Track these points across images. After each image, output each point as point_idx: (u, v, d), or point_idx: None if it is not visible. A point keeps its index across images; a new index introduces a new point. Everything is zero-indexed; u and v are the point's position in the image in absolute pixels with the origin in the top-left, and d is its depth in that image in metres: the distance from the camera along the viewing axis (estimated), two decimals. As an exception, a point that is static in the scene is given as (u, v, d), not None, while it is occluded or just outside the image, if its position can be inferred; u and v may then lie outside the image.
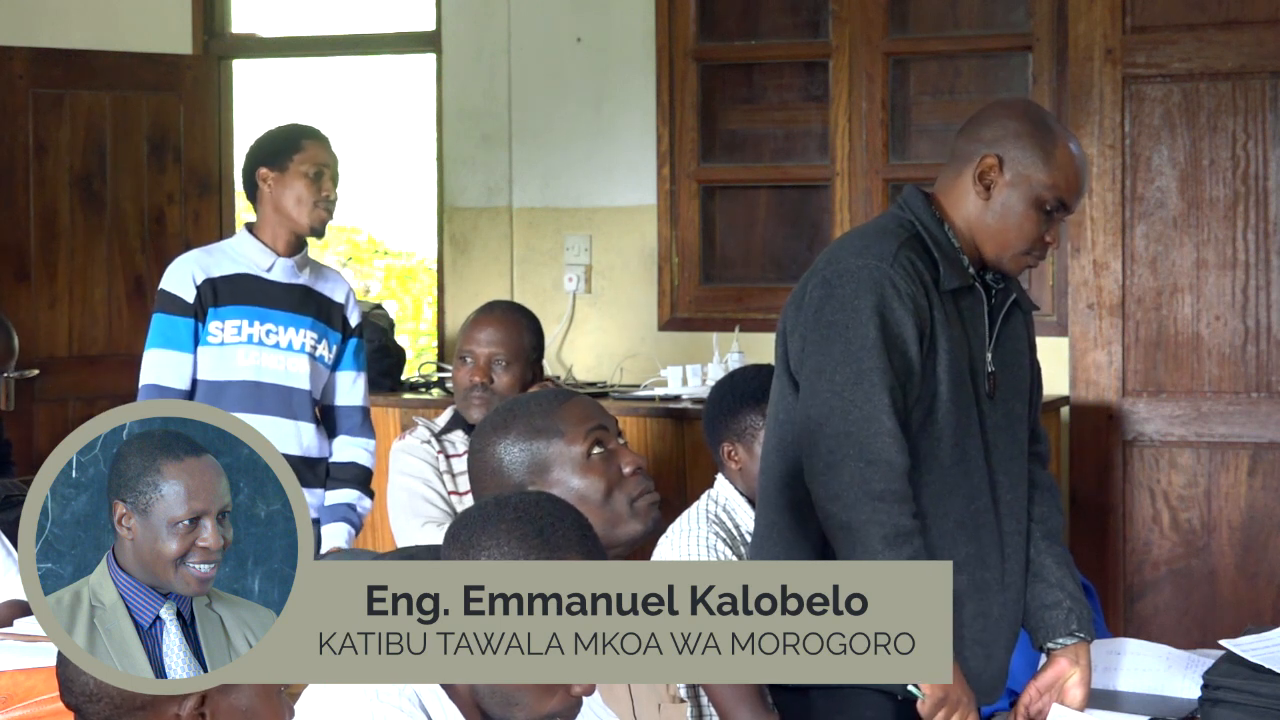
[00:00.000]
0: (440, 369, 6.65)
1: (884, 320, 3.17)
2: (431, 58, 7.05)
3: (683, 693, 3.14)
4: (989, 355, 3.32)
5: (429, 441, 4.65)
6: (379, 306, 6.86)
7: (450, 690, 2.45)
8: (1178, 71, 5.84)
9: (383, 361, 6.49)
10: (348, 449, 4.88)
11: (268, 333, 4.76)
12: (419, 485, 4.59)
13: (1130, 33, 5.87)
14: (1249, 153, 5.78)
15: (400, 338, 6.97)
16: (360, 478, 4.87)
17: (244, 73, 7.59)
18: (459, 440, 4.67)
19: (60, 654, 2.12)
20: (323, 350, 4.83)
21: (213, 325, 4.74)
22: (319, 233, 4.81)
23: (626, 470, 2.85)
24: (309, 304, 4.81)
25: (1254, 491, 5.80)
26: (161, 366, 4.74)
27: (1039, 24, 6.13)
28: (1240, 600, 5.76)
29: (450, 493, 4.59)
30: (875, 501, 3.11)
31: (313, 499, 4.82)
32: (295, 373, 4.78)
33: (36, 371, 6.80)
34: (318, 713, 2.36)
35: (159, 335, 4.76)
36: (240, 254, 4.80)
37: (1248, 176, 5.79)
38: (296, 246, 4.80)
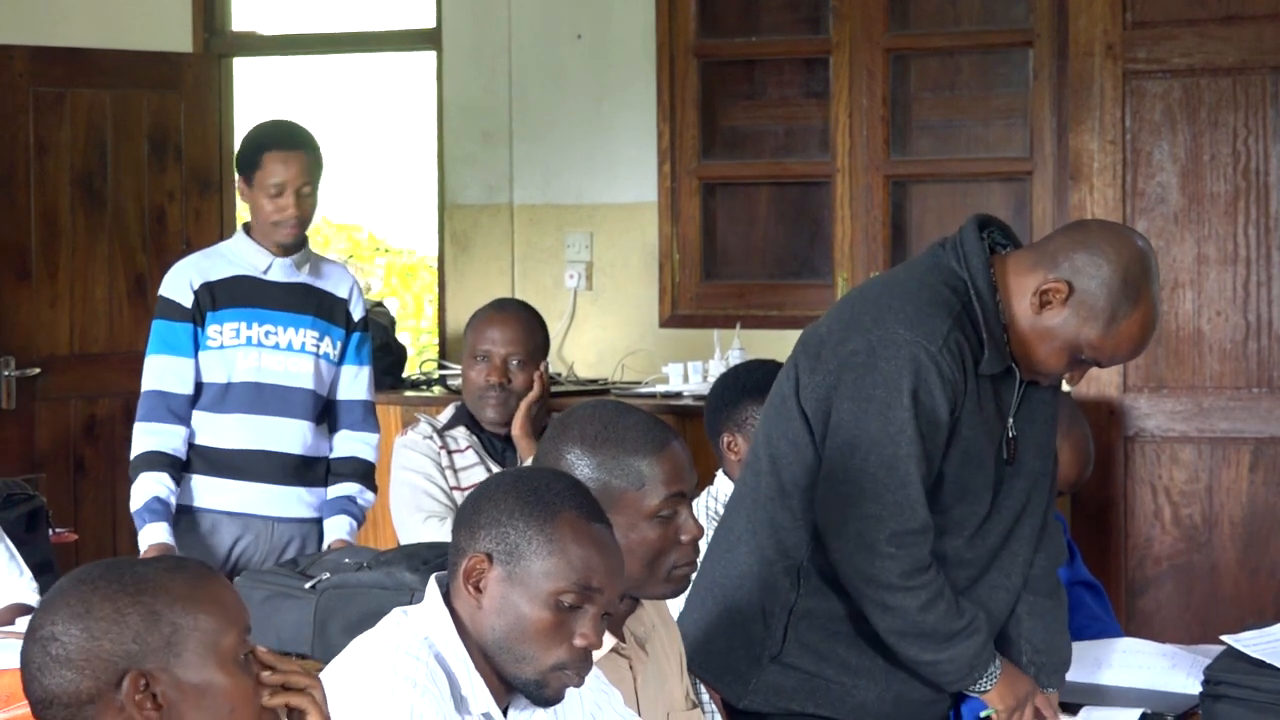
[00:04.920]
0: (442, 366, 6.65)
1: (922, 405, 3.11)
2: (432, 55, 7.05)
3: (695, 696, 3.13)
4: (1010, 420, 3.26)
5: (431, 437, 4.65)
6: (380, 304, 6.86)
7: (468, 648, 2.51)
8: (1178, 67, 5.84)
9: (384, 359, 6.49)
10: (348, 443, 4.85)
11: (267, 334, 4.74)
12: (421, 481, 4.60)
13: (1131, 28, 5.87)
14: (1250, 148, 5.78)
15: (401, 335, 6.97)
16: (361, 471, 4.84)
17: (245, 70, 7.59)
18: (461, 436, 4.68)
19: (21, 665, 2.10)
20: (327, 348, 4.80)
21: (211, 329, 4.72)
22: (289, 250, 4.75)
23: (683, 539, 2.82)
24: (309, 302, 4.78)
25: (1255, 487, 5.80)
26: (164, 372, 4.72)
27: (1039, 19, 6.12)
28: (1241, 596, 5.76)
29: (452, 488, 4.59)
30: (907, 580, 3.15)
31: (312, 498, 4.81)
32: (297, 372, 4.75)
33: (38, 370, 6.81)
34: (336, 688, 2.39)
35: (159, 341, 4.74)
36: (237, 256, 4.77)
37: (1248, 172, 5.78)
38: (293, 246, 4.78)
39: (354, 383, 4.87)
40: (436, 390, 6.46)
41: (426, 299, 11.06)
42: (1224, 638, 3.47)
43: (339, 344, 4.83)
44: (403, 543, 4.52)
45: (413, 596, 3.58)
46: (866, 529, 3.14)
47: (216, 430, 4.73)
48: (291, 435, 4.75)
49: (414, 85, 9.57)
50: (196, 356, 4.73)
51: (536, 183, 6.81)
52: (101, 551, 6.58)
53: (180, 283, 4.74)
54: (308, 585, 3.89)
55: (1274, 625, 3.51)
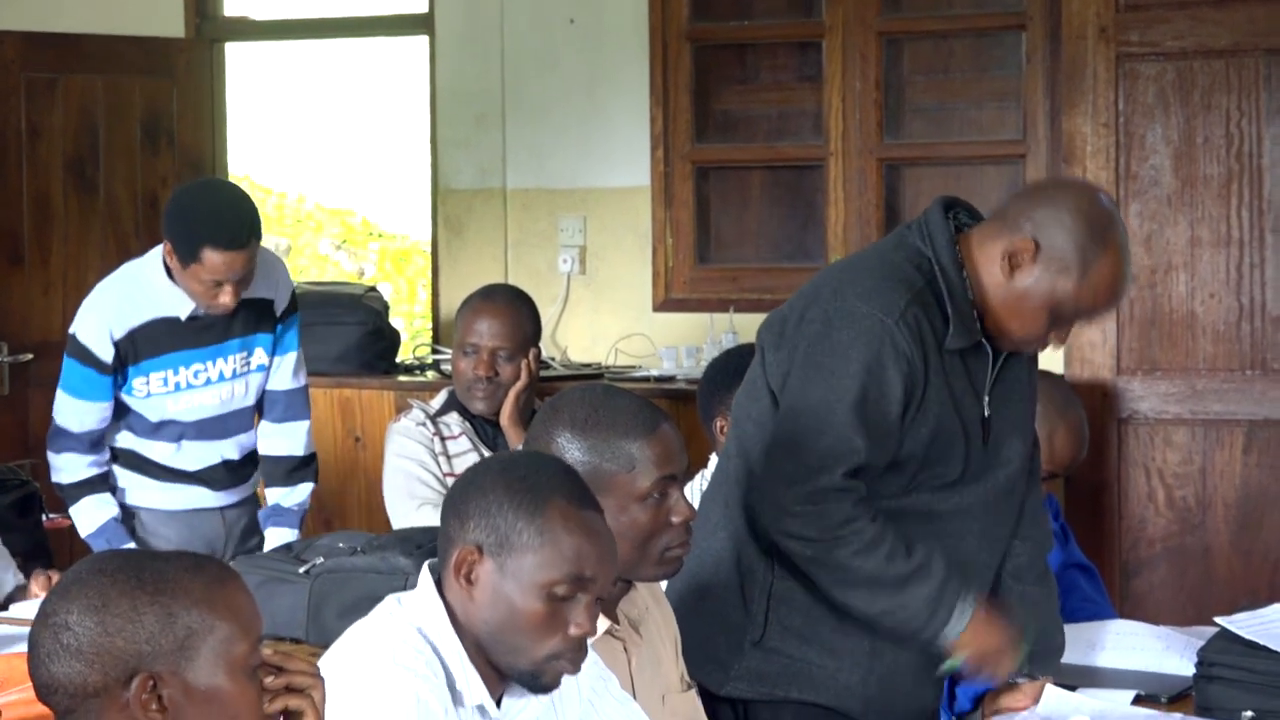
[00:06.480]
0: (435, 351, 6.65)
1: (871, 378, 3.08)
2: (424, 39, 7.04)
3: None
4: (985, 400, 3.22)
5: (424, 423, 4.65)
6: (373, 289, 6.86)
7: (461, 639, 2.49)
8: (1171, 49, 5.83)
9: (378, 344, 6.48)
10: (271, 440, 4.78)
11: (195, 374, 4.60)
12: (414, 467, 4.59)
13: (1124, 10, 5.86)
14: (1243, 130, 5.77)
15: (395, 320, 6.96)
16: (286, 470, 4.77)
17: (237, 56, 7.58)
18: (454, 422, 4.67)
19: (29, 647, 2.10)
20: (259, 359, 4.69)
21: (136, 381, 4.56)
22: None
23: (675, 520, 2.81)
24: (234, 325, 4.62)
25: (1249, 469, 5.80)
26: (80, 414, 4.56)
27: (1032, 2, 6.11)
28: (1235, 577, 5.77)
29: (446, 474, 4.59)
30: (834, 531, 3.12)
31: (248, 489, 4.80)
32: (230, 398, 4.67)
33: (31, 356, 6.81)
34: (334, 679, 2.38)
35: (73, 385, 4.54)
36: (157, 297, 4.53)
37: (1241, 154, 5.78)
38: None
39: (277, 374, 4.74)
40: (430, 375, 6.45)
41: (420, 283, 11.06)
42: (1217, 619, 3.47)
43: (270, 346, 4.71)
44: (396, 528, 4.52)
45: (407, 581, 3.58)
46: (782, 491, 3.12)
47: (155, 450, 4.67)
48: (230, 449, 4.72)
49: (406, 70, 9.56)
50: (115, 394, 4.57)
51: (529, 167, 6.81)
52: (95, 537, 6.58)
53: (99, 333, 4.51)
54: (302, 570, 3.89)
55: (1267, 607, 3.51)
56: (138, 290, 4.56)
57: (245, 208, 4.48)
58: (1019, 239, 3.12)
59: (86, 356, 4.52)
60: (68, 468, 4.60)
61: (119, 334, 4.51)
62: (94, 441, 4.60)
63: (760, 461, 3.22)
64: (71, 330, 4.56)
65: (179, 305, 4.52)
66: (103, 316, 4.52)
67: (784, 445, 3.14)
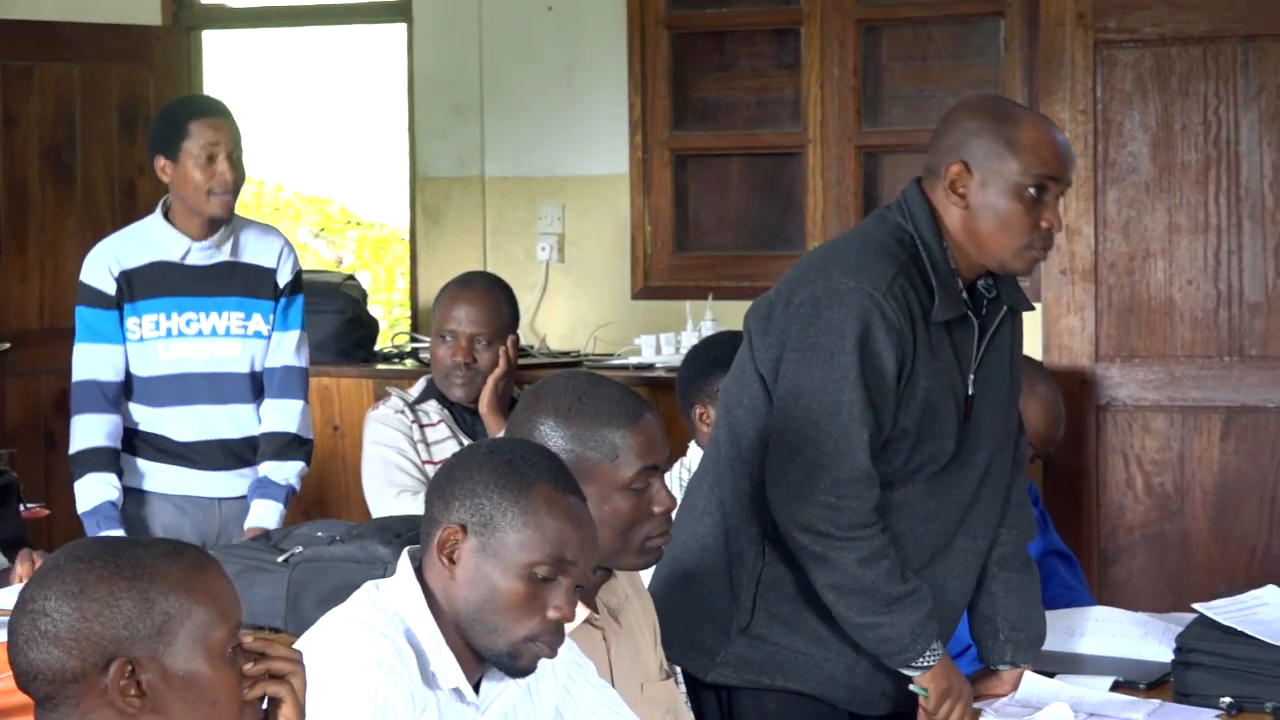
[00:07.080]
0: (414, 339, 6.64)
1: (867, 350, 3.09)
2: (402, 27, 7.04)
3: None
4: (971, 378, 3.24)
5: (403, 411, 4.64)
6: (351, 277, 6.85)
7: (439, 622, 2.51)
8: (1149, 36, 5.83)
9: (356, 332, 6.48)
10: (268, 415, 4.76)
11: (188, 322, 4.64)
12: (393, 455, 4.59)
13: (1101, -3, 5.87)
14: (1220, 117, 5.78)
15: (373, 308, 6.95)
16: (278, 446, 4.75)
17: (214, 43, 7.57)
18: (433, 410, 4.67)
19: (8, 635, 2.09)
20: (257, 326, 4.70)
21: (130, 321, 4.63)
22: (223, 220, 4.63)
23: (656, 510, 2.82)
24: (233, 282, 4.68)
25: (1226, 455, 5.81)
26: (95, 360, 4.64)
27: (1010, -11, 6.13)
28: (1213, 564, 5.78)
29: (424, 462, 4.58)
30: (847, 531, 3.13)
31: (248, 483, 4.78)
32: (224, 358, 4.67)
33: (8, 345, 6.79)
34: (309, 642, 2.43)
35: (86, 329, 4.67)
36: (155, 240, 4.65)
37: (1219, 141, 5.79)
38: (214, 226, 4.65)
39: (277, 350, 4.75)
40: (408, 364, 6.45)
41: (399, 272, 11.04)
42: (1195, 606, 3.48)
43: (270, 317, 4.72)
44: (375, 517, 4.51)
45: (385, 569, 3.57)
46: (806, 477, 3.12)
47: (155, 421, 4.68)
48: (228, 421, 4.70)
49: (384, 57, 9.54)
50: (124, 343, 4.65)
51: (508, 155, 6.80)
52: (72, 526, 6.54)
53: (100, 270, 4.64)
54: (280, 559, 3.88)
55: (1245, 593, 3.52)
56: (136, 236, 4.70)
57: (223, 102, 4.75)
58: (948, 171, 3.19)
59: (93, 296, 4.66)
60: (82, 433, 4.65)
61: (116, 270, 4.64)
62: (109, 398, 4.64)
63: (756, 447, 3.22)
64: (79, 279, 4.70)
65: (175, 248, 4.63)
66: (103, 256, 4.68)
67: (798, 431, 3.14)
